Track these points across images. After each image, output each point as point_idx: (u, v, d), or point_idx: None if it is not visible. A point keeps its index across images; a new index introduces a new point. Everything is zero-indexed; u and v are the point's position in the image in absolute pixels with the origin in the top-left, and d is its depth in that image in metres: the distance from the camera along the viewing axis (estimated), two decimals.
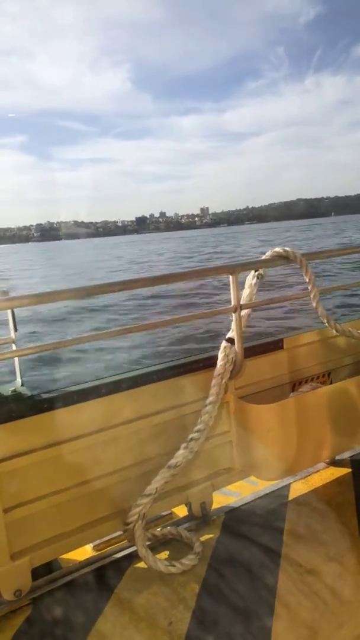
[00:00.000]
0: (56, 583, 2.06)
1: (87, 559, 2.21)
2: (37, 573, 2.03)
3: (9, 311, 2.12)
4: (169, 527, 2.33)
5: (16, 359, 2.18)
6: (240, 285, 2.32)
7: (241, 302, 2.33)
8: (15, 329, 2.16)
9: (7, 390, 2.05)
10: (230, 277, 2.27)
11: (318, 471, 2.74)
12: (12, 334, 2.16)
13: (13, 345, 2.15)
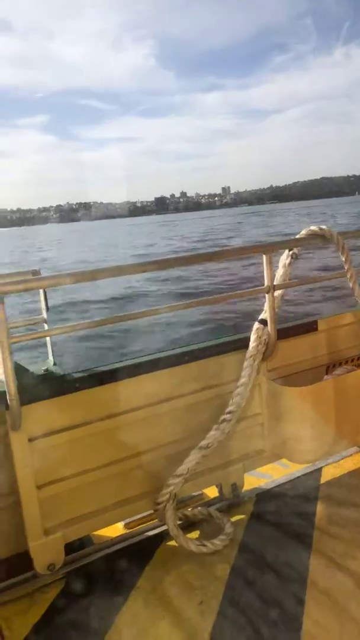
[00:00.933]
0: (89, 558, 2.09)
1: (119, 536, 2.24)
2: (70, 549, 2.07)
3: (41, 291, 2.12)
4: (199, 508, 2.33)
5: (48, 338, 2.19)
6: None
7: (275, 283, 2.27)
8: (47, 309, 2.15)
9: (40, 369, 2.05)
10: (264, 256, 2.21)
11: (351, 455, 2.71)
12: (44, 314, 2.15)
13: (45, 325, 2.15)
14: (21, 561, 1.98)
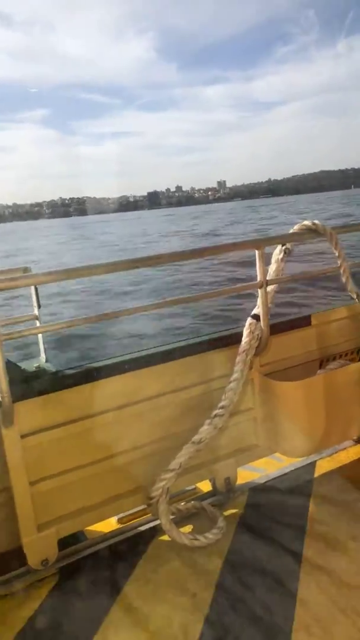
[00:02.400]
0: (82, 554, 2.10)
1: (112, 530, 2.24)
2: (64, 544, 2.07)
3: (32, 288, 2.11)
4: (192, 502, 2.34)
5: (40, 335, 2.18)
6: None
7: (267, 278, 2.28)
8: (39, 306, 2.15)
9: (32, 366, 2.05)
10: (257, 251, 2.21)
11: (345, 449, 2.72)
12: (36, 311, 2.15)
13: (37, 322, 2.14)
14: (14, 557, 1.98)
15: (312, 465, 2.61)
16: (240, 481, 2.46)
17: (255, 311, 2.31)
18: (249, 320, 2.29)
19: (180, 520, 2.27)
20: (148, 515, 2.27)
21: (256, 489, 2.46)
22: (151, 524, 2.24)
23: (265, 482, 2.51)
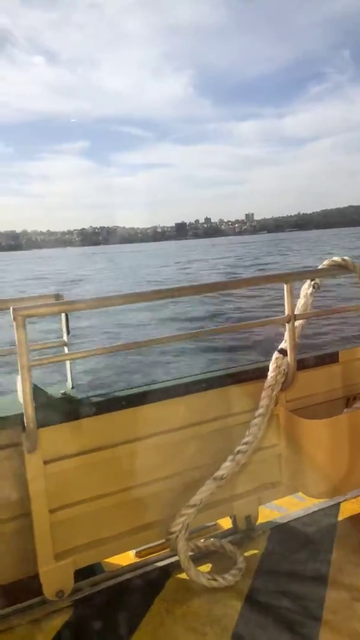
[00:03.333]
0: (98, 587, 2.06)
1: (129, 564, 2.20)
2: (80, 575, 2.03)
3: (63, 315, 2.15)
4: (212, 540, 2.28)
5: (67, 362, 2.21)
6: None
7: (295, 312, 2.27)
8: (68, 332, 2.18)
9: (58, 392, 2.07)
10: (285, 285, 2.21)
11: None
12: (65, 337, 2.18)
13: (65, 348, 2.17)
14: (29, 585, 1.95)
15: (336, 507, 2.52)
16: (261, 519, 2.39)
17: (282, 345, 2.29)
18: (276, 354, 2.28)
19: (199, 557, 2.21)
20: (166, 549, 2.21)
21: (278, 529, 2.38)
22: (170, 560, 2.19)
23: (288, 522, 2.43)
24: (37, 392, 1.90)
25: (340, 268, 2.36)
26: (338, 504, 2.54)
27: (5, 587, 1.94)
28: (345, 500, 2.57)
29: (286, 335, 2.27)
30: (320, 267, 2.41)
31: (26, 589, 1.98)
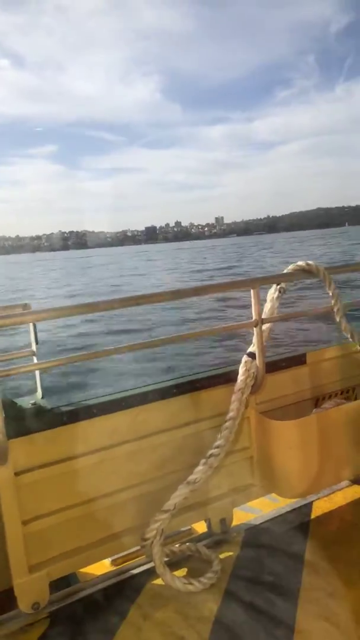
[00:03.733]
0: (74, 597, 2.04)
1: (105, 573, 2.19)
2: (55, 586, 2.01)
3: (31, 324, 2.13)
4: (187, 544, 2.29)
5: (37, 372, 2.19)
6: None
7: (262, 317, 2.32)
8: (37, 342, 2.16)
9: (28, 403, 2.05)
10: (252, 291, 2.26)
11: (341, 489, 2.69)
12: (34, 347, 2.16)
13: (34, 358, 2.15)
14: (4, 599, 1.92)
15: (309, 506, 2.57)
16: (235, 522, 2.42)
17: (250, 349, 2.34)
18: (245, 358, 2.32)
19: (175, 562, 2.22)
20: (142, 556, 2.21)
21: (252, 530, 2.42)
22: (145, 567, 2.19)
23: (261, 523, 2.47)
24: (6, 403, 1.88)
25: (305, 272, 2.42)
26: (310, 503, 2.60)
27: None
28: (318, 499, 2.62)
29: (254, 339, 2.32)
30: (285, 271, 2.47)
31: (1, 602, 1.94)
